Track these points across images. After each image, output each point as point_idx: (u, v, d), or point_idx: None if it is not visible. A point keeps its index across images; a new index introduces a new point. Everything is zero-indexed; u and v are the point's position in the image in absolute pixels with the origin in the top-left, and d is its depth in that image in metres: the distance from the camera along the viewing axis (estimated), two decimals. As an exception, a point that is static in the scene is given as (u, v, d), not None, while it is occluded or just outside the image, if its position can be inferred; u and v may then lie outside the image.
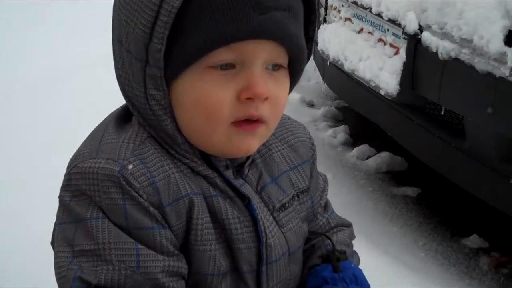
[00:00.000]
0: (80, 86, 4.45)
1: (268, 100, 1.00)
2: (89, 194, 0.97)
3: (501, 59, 2.22)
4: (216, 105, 0.97)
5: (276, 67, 1.01)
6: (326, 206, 1.36)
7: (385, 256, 2.72)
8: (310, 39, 1.08)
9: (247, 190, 1.08)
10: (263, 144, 1.14)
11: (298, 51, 1.02)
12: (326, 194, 1.36)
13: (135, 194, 0.96)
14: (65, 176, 1.02)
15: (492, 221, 3.12)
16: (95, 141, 1.03)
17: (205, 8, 0.92)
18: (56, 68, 4.79)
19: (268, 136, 1.10)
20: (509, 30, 2.24)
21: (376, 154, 3.80)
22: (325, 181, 1.37)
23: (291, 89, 1.10)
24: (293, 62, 1.04)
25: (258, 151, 1.14)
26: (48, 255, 1.10)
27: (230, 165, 1.08)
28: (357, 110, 3.70)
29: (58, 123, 3.82)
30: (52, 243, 1.06)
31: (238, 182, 1.07)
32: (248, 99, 0.97)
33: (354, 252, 1.32)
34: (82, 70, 4.69)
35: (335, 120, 4.38)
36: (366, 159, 3.79)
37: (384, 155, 3.74)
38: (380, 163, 3.70)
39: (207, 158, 1.05)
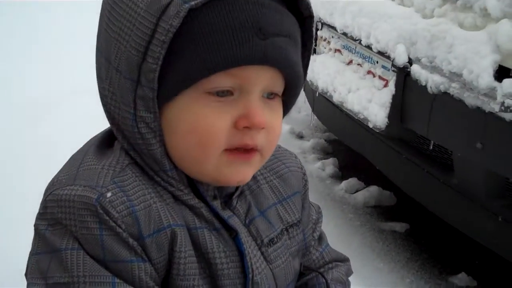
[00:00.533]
0: (69, 112, 4.42)
1: (264, 129, 0.96)
2: (64, 223, 0.91)
3: (491, 94, 2.19)
4: (212, 132, 0.92)
5: (271, 95, 0.97)
6: (321, 239, 1.30)
7: (371, 293, 2.66)
8: (305, 66, 1.04)
9: (235, 222, 1.03)
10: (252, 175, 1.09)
11: (297, 78, 0.98)
12: (320, 226, 1.30)
13: (113, 224, 0.90)
14: (41, 203, 0.96)
15: (481, 259, 3.07)
16: (73, 166, 0.98)
17: (206, 30, 0.88)
18: (46, 94, 4.76)
19: (261, 165, 1.05)
20: (499, 65, 2.21)
21: (364, 188, 3.76)
22: (319, 212, 1.32)
23: (283, 117, 1.06)
24: (288, 90, 1.00)
25: (246, 182, 1.09)
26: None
27: (218, 195, 1.03)
28: (346, 143, 3.67)
29: (45, 150, 3.78)
30: (26, 274, 0.99)
31: (225, 214, 1.02)
32: (245, 128, 0.93)
33: None
34: (73, 96, 4.65)
35: (324, 153, 4.35)
36: (355, 192, 3.75)
37: (373, 189, 3.70)
38: (369, 197, 3.66)
39: (194, 186, 1.00)
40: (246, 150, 0.96)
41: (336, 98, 3.12)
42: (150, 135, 0.93)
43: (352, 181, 3.82)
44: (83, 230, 0.90)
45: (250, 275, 1.02)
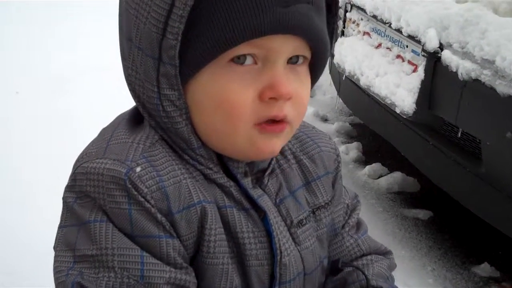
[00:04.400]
0: (90, 87, 4.44)
1: (291, 99, 0.93)
2: (93, 196, 0.89)
3: (524, 82, 2.14)
4: (237, 105, 0.89)
5: (297, 59, 0.94)
6: (359, 226, 1.25)
7: (391, 280, 2.62)
8: (331, 33, 1.00)
9: (264, 202, 1.00)
10: (282, 154, 1.07)
11: (322, 45, 0.95)
12: (358, 214, 1.26)
13: (142, 199, 0.88)
14: (70, 176, 0.95)
15: (505, 250, 3.02)
16: (104, 140, 0.96)
17: (224, 1, 0.85)
18: (67, 68, 4.79)
19: (291, 136, 1.02)
20: (534, 53, 2.15)
21: (388, 173, 3.72)
22: (356, 200, 1.28)
23: (311, 87, 1.02)
24: (315, 57, 0.96)
25: (277, 161, 1.07)
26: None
27: (249, 172, 1.01)
28: (371, 128, 3.62)
29: (64, 123, 3.81)
30: (55, 247, 0.97)
31: (256, 193, 1.00)
32: (271, 99, 0.90)
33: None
34: (94, 71, 4.67)
35: (348, 137, 4.30)
36: (378, 178, 3.71)
37: (397, 175, 3.65)
38: (392, 183, 3.61)
39: (223, 164, 0.98)
40: (275, 122, 0.93)
41: (363, 82, 3.07)
42: (176, 113, 0.91)
43: (376, 166, 3.77)
44: (111, 204, 0.88)
45: (278, 257, 1.00)
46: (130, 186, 0.88)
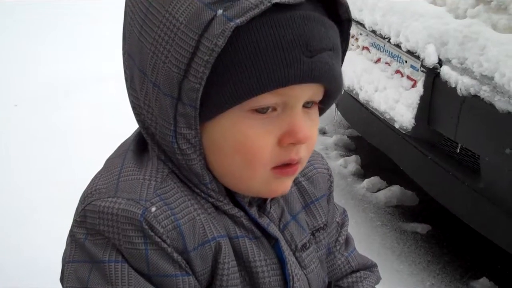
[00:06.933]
0: (89, 99, 4.44)
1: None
2: (107, 236, 0.88)
3: (522, 98, 2.15)
4: (258, 151, 0.90)
5: (309, 104, 0.95)
6: (347, 243, 1.29)
7: (390, 295, 2.63)
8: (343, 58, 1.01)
9: (274, 230, 1.02)
10: None
11: (338, 89, 0.96)
12: (346, 230, 1.29)
13: (158, 240, 0.88)
14: (78, 211, 0.94)
15: (504, 264, 3.02)
16: (113, 175, 0.95)
17: (253, 50, 0.84)
18: (65, 79, 4.79)
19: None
20: (532, 69, 2.16)
21: (387, 187, 3.72)
22: (344, 215, 1.31)
23: None
24: (327, 98, 0.97)
25: None
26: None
27: (253, 202, 1.02)
28: (370, 141, 3.62)
29: (63, 136, 3.81)
30: (62, 280, 0.97)
31: (264, 221, 1.01)
32: (290, 144, 0.91)
33: None
34: (93, 83, 4.68)
35: (347, 150, 4.31)
36: (376, 191, 3.71)
37: (395, 188, 3.66)
38: (390, 196, 3.61)
39: (230, 195, 0.99)
40: (291, 165, 0.94)
41: (362, 97, 3.08)
42: (190, 151, 0.91)
43: (374, 180, 3.78)
44: (127, 245, 0.88)
45: (291, 283, 1.01)
46: (146, 227, 0.87)
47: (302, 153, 0.95)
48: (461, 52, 2.44)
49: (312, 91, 0.91)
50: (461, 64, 2.44)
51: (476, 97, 2.35)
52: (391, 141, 3.13)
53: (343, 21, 0.96)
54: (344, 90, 3.34)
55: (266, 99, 0.87)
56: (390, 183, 3.75)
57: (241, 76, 0.84)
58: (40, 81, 4.77)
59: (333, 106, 4.14)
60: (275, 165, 0.93)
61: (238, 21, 0.82)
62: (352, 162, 4.02)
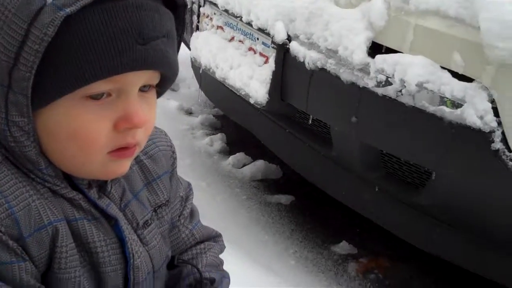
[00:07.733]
0: None
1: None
2: None
3: (364, 69, 2.27)
4: (92, 137, 0.91)
5: (146, 87, 0.97)
6: (192, 215, 1.32)
7: (255, 265, 2.71)
8: (179, 41, 1.04)
9: (113, 210, 1.03)
10: None
11: (173, 73, 0.99)
12: (191, 203, 1.32)
13: None
14: None
15: (361, 228, 3.20)
16: None
17: (84, 39, 0.84)
18: None
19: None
20: (373, 42, 2.29)
21: (251, 162, 3.81)
22: (189, 189, 1.34)
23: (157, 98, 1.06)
24: (164, 82, 1.00)
25: None
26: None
27: (93, 183, 1.02)
28: (232, 119, 3.70)
29: None
30: None
31: (103, 202, 1.02)
32: (126, 128, 0.93)
33: (223, 275, 1.29)
34: None
35: (213, 128, 4.36)
36: (242, 167, 3.80)
37: (259, 163, 3.76)
38: (255, 171, 3.71)
39: (68, 178, 0.99)
40: (128, 148, 0.96)
41: (218, 75, 3.13)
42: (23, 138, 0.91)
43: (239, 156, 3.86)
44: None
45: (131, 261, 1.04)
46: None
47: (139, 137, 0.97)
48: (308, 28, 2.54)
49: (147, 77, 0.94)
50: (308, 40, 2.54)
51: (323, 70, 2.46)
52: (251, 117, 3.22)
53: (179, 6, 0.99)
54: (202, 69, 3.39)
55: (99, 86, 0.89)
56: (254, 158, 3.84)
57: (73, 64, 0.85)
58: None
59: (197, 86, 4.18)
60: (111, 149, 0.95)
61: (68, 10, 0.83)
62: (218, 140, 4.08)
